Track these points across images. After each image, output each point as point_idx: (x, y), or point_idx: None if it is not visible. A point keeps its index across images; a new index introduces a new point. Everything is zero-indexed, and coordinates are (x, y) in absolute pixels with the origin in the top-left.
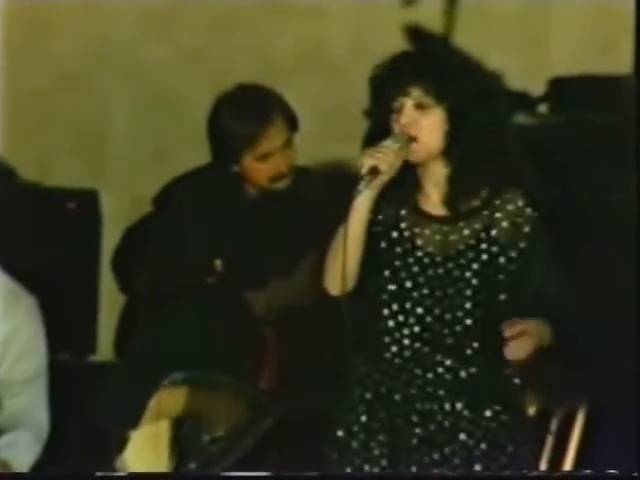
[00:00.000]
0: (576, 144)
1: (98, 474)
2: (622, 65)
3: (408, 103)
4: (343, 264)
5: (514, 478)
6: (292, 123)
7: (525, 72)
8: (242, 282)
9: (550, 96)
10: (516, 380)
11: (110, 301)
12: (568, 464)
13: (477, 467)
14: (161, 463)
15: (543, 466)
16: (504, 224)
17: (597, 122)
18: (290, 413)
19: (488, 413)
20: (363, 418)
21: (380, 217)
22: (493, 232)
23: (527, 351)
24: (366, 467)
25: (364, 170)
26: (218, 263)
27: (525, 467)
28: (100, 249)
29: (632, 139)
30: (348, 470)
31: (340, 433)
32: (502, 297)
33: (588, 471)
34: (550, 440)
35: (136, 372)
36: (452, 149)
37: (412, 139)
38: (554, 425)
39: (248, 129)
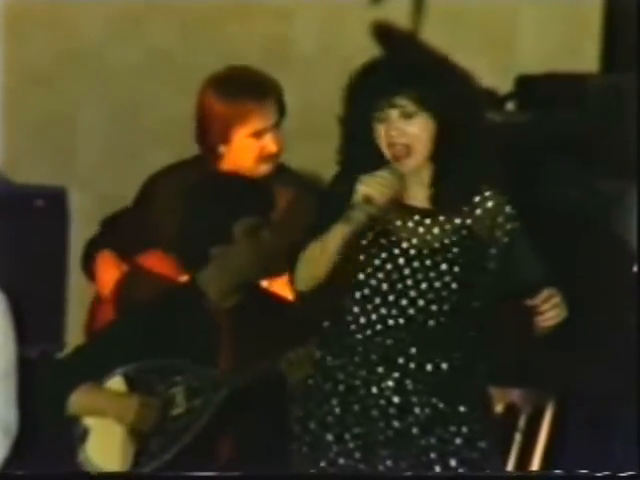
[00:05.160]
0: (542, 141)
1: (97, 474)
2: (588, 64)
3: (394, 114)
4: (314, 272)
5: (512, 478)
6: (281, 107)
7: (492, 70)
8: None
9: (517, 94)
10: (485, 378)
11: (78, 298)
12: (536, 461)
13: (452, 462)
14: (122, 448)
15: (511, 463)
16: (486, 222)
17: (563, 120)
18: (243, 380)
19: (462, 408)
20: (337, 410)
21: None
22: (475, 229)
23: (559, 319)
24: (340, 460)
25: (358, 198)
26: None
27: (495, 465)
28: (68, 247)
29: (597, 137)
30: (322, 464)
31: (313, 426)
32: (479, 292)
33: (584, 471)
34: (518, 437)
35: (88, 365)
36: (439, 153)
37: (406, 152)
38: (522, 422)
39: (244, 102)
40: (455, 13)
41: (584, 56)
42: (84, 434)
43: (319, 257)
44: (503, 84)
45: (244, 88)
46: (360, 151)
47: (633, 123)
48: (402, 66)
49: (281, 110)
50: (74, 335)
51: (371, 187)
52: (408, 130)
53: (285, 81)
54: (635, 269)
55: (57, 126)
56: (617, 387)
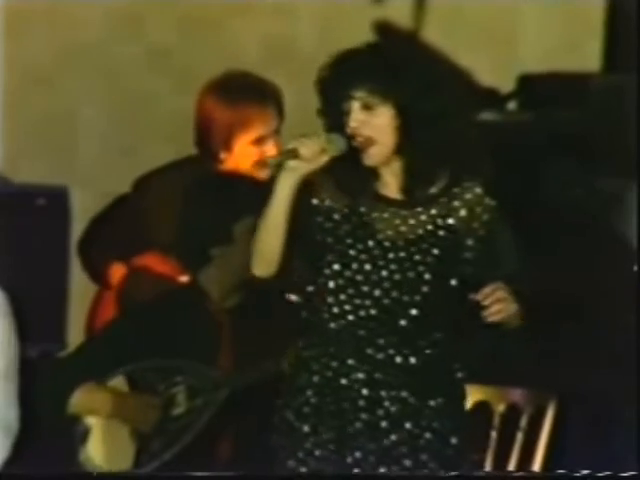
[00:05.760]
0: (544, 140)
1: (98, 474)
2: (589, 63)
3: (355, 105)
4: (263, 246)
5: (510, 478)
6: (281, 112)
7: (494, 69)
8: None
9: (519, 93)
10: (459, 374)
11: (80, 298)
12: (538, 461)
13: (423, 457)
14: (123, 447)
15: (513, 463)
16: (462, 212)
17: (565, 119)
18: (244, 380)
19: (432, 403)
20: (313, 401)
21: (337, 205)
22: (450, 220)
23: (506, 313)
24: (316, 452)
25: (284, 152)
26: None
27: (469, 461)
28: (69, 246)
29: (598, 136)
30: (300, 455)
31: (290, 416)
32: (454, 283)
33: (586, 471)
34: (520, 437)
35: (89, 364)
36: (405, 143)
37: (368, 142)
38: (524, 422)
39: (245, 108)
40: (456, 12)
41: (586, 54)
42: (85, 434)
43: (263, 234)
44: (504, 82)
45: (245, 94)
46: None
47: (634, 122)
48: (359, 58)
49: (281, 115)
50: (75, 334)
51: (299, 142)
52: (369, 121)
53: (286, 79)
54: (635, 269)
55: (57, 125)
56: (617, 387)
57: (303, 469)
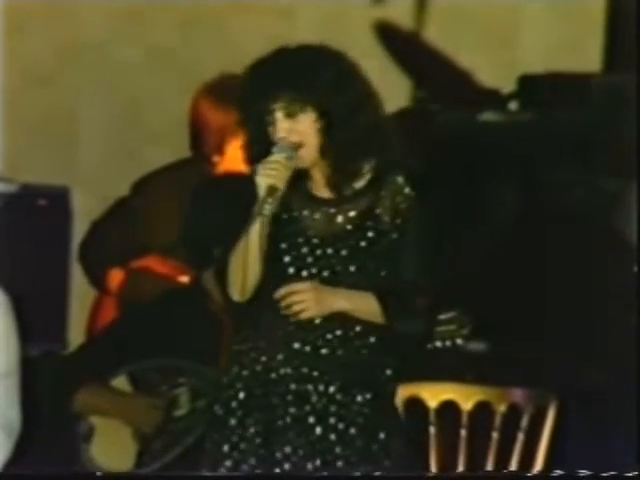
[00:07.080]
0: (545, 141)
1: (100, 474)
2: (590, 63)
3: (279, 115)
4: (244, 274)
5: (510, 478)
6: None
7: (495, 70)
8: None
9: (520, 93)
10: (388, 371)
11: (81, 298)
12: (539, 461)
13: (347, 451)
14: (126, 447)
15: (514, 463)
16: (387, 202)
17: (565, 119)
18: None
19: (360, 399)
20: (241, 395)
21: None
22: (378, 210)
23: (307, 315)
24: (242, 445)
25: (263, 192)
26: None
27: (398, 458)
28: (70, 246)
29: (599, 136)
30: (225, 448)
31: (218, 410)
32: (383, 273)
33: (585, 471)
34: (521, 437)
35: (91, 364)
36: (327, 142)
37: (298, 146)
38: (525, 422)
39: (235, 115)
40: (457, 12)
41: (586, 54)
42: (87, 434)
43: (246, 263)
44: (505, 82)
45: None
46: (262, 151)
47: (634, 122)
48: (274, 69)
49: None
50: (76, 334)
51: (271, 177)
52: (295, 128)
53: None
54: (635, 269)
55: (58, 124)
56: (618, 387)
57: (227, 462)
